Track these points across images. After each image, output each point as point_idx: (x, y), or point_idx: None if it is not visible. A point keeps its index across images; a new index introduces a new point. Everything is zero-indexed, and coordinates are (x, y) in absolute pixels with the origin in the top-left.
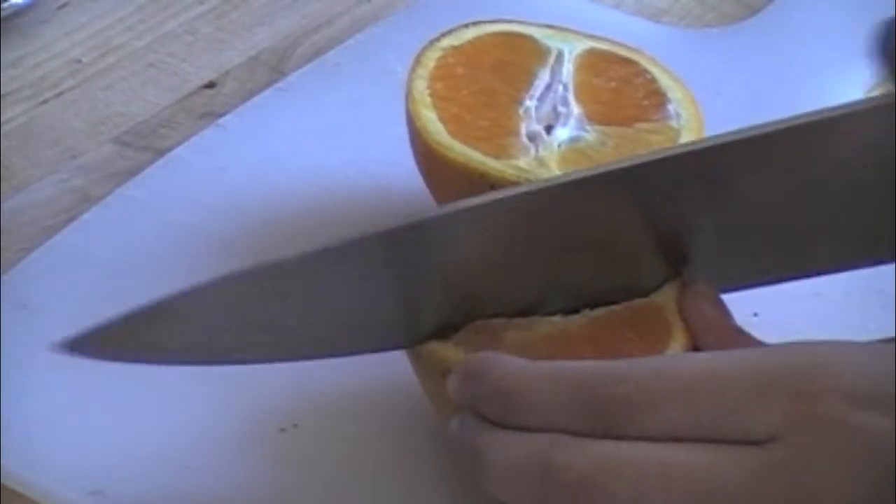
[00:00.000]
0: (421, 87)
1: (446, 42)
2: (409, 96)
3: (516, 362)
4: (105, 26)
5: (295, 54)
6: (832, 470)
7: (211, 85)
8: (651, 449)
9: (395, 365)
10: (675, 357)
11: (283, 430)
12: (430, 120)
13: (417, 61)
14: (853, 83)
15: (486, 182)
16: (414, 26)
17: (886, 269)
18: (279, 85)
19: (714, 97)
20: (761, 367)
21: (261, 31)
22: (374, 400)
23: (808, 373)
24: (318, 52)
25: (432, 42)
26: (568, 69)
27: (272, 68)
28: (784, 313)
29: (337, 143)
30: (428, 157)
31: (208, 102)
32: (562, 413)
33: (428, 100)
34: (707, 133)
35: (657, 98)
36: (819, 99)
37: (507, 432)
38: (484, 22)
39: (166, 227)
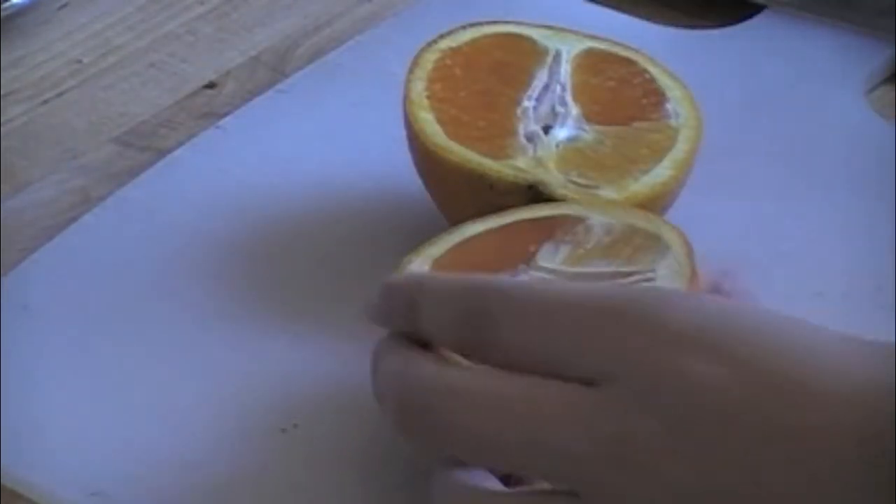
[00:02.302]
0: (419, 88)
1: (444, 44)
2: (406, 98)
3: (426, 274)
4: (105, 26)
5: (295, 55)
6: (658, 417)
7: (211, 85)
8: (493, 379)
9: None
10: (551, 280)
11: (283, 430)
12: (428, 122)
13: (415, 63)
14: (852, 85)
15: (485, 182)
16: (414, 27)
17: (886, 269)
18: (279, 86)
19: (714, 97)
20: (610, 301)
21: (261, 31)
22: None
23: (647, 314)
24: (318, 53)
25: (430, 44)
26: (566, 69)
27: (272, 69)
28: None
29: (337, 144)
30: (426, 158)
31: (209, 103)
32: (447, 326)
33: (426, 102)
34: (707, 133)
35: (656, 97)
36: (819, 100)
37: (393, 341)
38: (482, 23)
39: (167, 227)
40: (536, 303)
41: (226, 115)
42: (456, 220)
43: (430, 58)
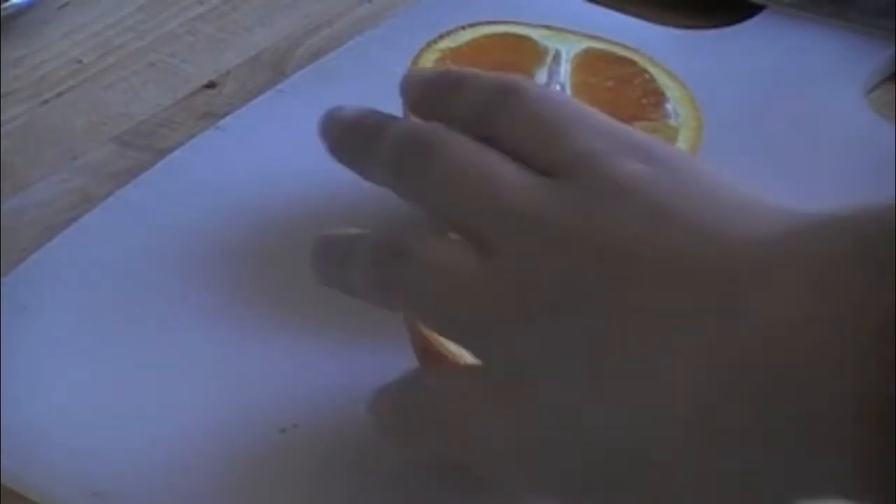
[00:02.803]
0: None
1: (444, 44)
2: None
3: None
4: (105, 26)
5: (295, 55)
6: (574, 192)
7: (211, 85)
8: (477, 150)
9: (397, 365)
10: None
11: (283, 430)
12: None
13: (415, 63)
14: (852, 86)
15: None
16: (415, 28)
17: None
18: (279, 86)
19: (714, 97)
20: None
21: (261, 31)
22: None
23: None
24: (318, 53)
25: (429, 44)
26: (565, 69)
27: (272, 69)
28: None
29: None
30: None
31: (209, 103)
32: (477, 103)
33: None
34: (706, 133)
35: (655, 97)
36: (818, 100)
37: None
38: (481, 23)
39: (166, 228)
40: (558, 101)
41: (226, 115)
42: None
43: (430, 58)
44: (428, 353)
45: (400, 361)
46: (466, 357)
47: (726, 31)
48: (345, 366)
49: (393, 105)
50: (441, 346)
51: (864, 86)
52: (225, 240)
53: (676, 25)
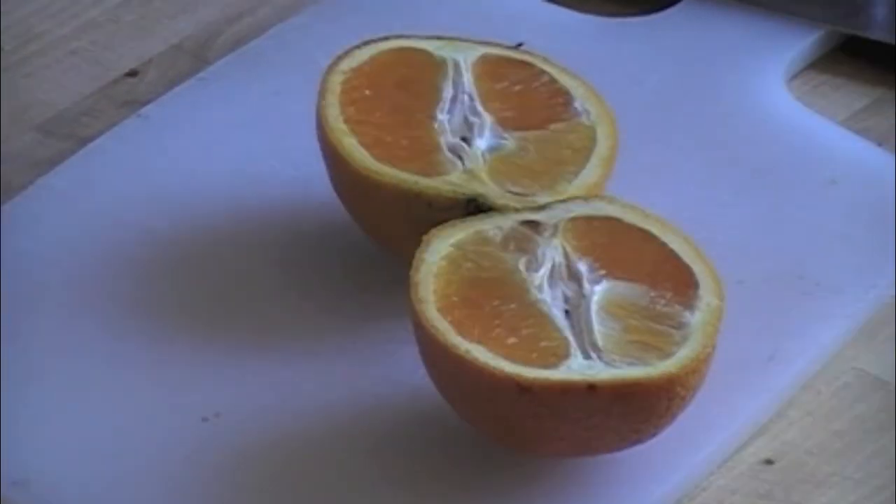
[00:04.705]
0: (334, 114)
1: (345, 65)
2: (324, 126)
3: None
4: (27, 14)
5: (217, 43)
6: None
7: (133, 73)
8: None
9: (327, 358)
10: None
11: (205, 419)
12: (353, 146)
13: (324, 88)
14: (773, 73)
15: (423, 200)
16: (337, 16)
17: (808, 255)
18: (201, 74)
19: (637, 85)
20: None
21: (183, 19)
22: (308, 392)
23: None
24: (240, 42)
25: (331, 67)
26: (468, 78)
27: (194, 57)
28: None
29: (259, 133)
30: (357, 183)
31: (130, 91)
32: None
33: (344, 126)
34: (623, 124)
35: (562, 97)
36: (741, 88)
37: None
38: (374, 40)
39: (88, 216)
40: None
41: (147, 103)
42: (388, 239)
43: (336, 80)
44: (431, 345)
45: (339, 357)
46: (473, 351)
47: (649, 18)
48: (271, 355)
49: (314, 93)
50: (444, 337)
51: (785, 73)
52: (146, 228)
53: (600, 13)
